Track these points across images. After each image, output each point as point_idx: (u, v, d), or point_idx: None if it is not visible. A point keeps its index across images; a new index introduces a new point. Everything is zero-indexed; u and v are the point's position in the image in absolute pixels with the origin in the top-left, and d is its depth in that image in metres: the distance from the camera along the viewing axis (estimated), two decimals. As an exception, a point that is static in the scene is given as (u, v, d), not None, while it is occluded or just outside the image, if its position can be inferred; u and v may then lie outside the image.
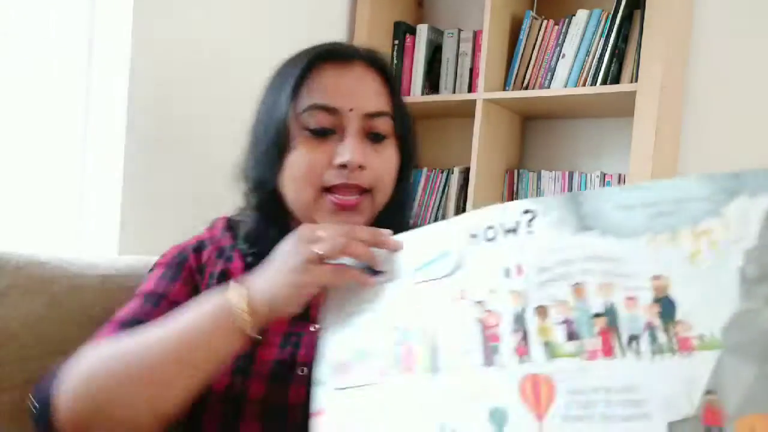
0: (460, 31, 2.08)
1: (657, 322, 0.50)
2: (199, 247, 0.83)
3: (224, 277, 0.79)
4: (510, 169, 2.04)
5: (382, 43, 2.15)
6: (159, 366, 0.63)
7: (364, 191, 0.76)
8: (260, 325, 0.63)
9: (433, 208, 2.10)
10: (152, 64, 1.51)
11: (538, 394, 0.52)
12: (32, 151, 1.41)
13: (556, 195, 0.58)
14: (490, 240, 0.59)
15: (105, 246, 1.47)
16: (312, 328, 0.75)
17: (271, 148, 0.77)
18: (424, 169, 2.15)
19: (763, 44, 1.71)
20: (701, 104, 1.78)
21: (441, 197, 2.10)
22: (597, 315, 0.52)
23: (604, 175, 1.84)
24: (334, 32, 2.07)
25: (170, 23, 1.54)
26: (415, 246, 0.64)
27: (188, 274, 0.80)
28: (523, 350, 0.54)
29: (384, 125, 0.78)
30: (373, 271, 0.64)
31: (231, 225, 0.85)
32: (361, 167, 0.75)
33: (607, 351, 0.51)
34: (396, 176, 0.82)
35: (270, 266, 0.65)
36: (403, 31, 2.17)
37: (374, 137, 0.78)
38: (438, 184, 2.11)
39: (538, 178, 1.96)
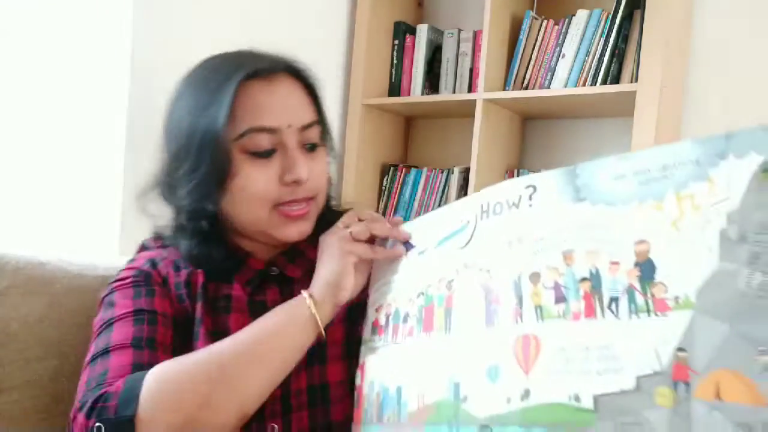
0: (460, 31, 2.08)
1: (636, 284, 0.53)
2: (153, 264, 0.82)
3: (189, 284, 0.79)
4: (510, 169, 2.04)
5: (382, 43, 2.15)
6: (247, 367, 0.67)
7: (309, 199, 0.80)
8: (325, 313, 0.72)
9: (433, 208, 2.10)
10: (152, 64, 1.51)
11: (527, 351, 0.57)
12: (33, 151, 1.41)
13: (556, 169, 0.61)
14: (497, 214, 0.65)
15: (105, 246, 1.47)
16: None
17: (211, 175, 0.75)
18: (424, 169, 2.15)
19: (763, 44, 1.71)
20: (701, 104, 1.78)
21: (441, 197, 2.10)
22: (583, 279, 0.56)
23: (604, 175, 1.84)
24: (334, 32, 2.08)
25: (170, 23, 1.54)
26: (437, 222, 0.73)
27: (159, 288, 0.79)
28: (517, 313, 0.59)
29: (316, 134, 0.80)
30: (406, 246, 0.75)
31: (166, 242, 0.84)
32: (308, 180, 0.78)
33: (589, 312, 0.55)
34: None
35: (323, 258, 0.75)
36: (403, 31, 2.17)
37: (310, 147, 0.80)
38: (438, 184, 2.11)
39: (538, 178, 1.96)
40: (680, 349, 0.49)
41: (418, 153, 2.31)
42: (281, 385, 0.71)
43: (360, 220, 0.78)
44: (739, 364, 0.47)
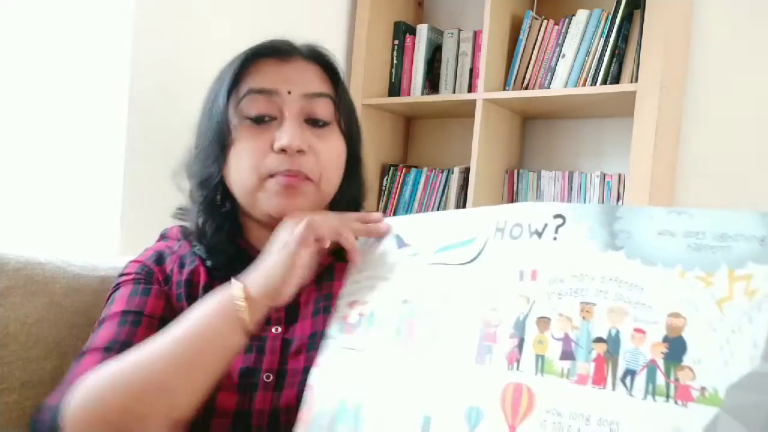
0: (460, 31, 2.08)
1: (660, 362, 0.46)
2: (159, 259, 0.81)
3: (190, 284, 0.78)
4: (510, 169, 2.04)
5: (382, 43, 2.15)
6: (173, 371, 0.62)
7: (306, 179, 0.74)
8: (259, 314, 0.65)
9: (433, 208, 2.10)
10: (152, 64, 1.51)
11: (517, 403, 0.51)
12: (32, 151, 1.41)
13: (590, 205, 0.56)
14: (514, 238, 0.57)
15: (105, 246, 1.47)
16: (274, 330, 0.74)
17: (213, 141, 0.76)
18: (424, 169, 2.15)
19: (763, 44, 1.71)
20: (701, 104, 1.78)
21: (441, 197, 2.10)
22: (598, 339, 0.49)
23: (604, 175, 1.84)
24: (334, 32, 2.07)
25: (170, 23, 1.54)
26: (441, 227, 0.65)
27: (158, 286, 0.78)
28: (514, 357, 0.53)
29: (324, 108, 0.76)
30: (397, 242, 0.67)
31: (185, 233, 0.84)
32: (300, 151, 0.73)
33: (598, 380, 0.48)
34: (344, 169, 0.81)
35: (266, 253, 0.68)
36: (403, 31, 2.17)
37: (315, 122, 0.76)
38: (438, 184, 2.11)
39: (538, 178, 1.96)
40: None
41: (418, 153, 2.31)
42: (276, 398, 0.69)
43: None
44: None
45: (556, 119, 2.07)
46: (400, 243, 0.67)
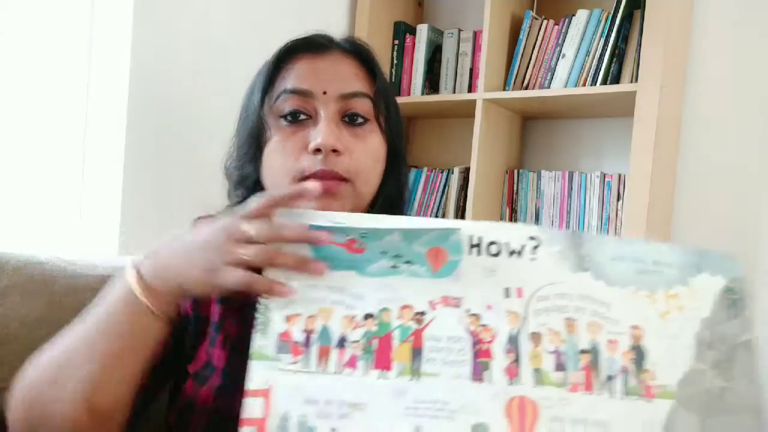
0: (460, 31, 2.08)
1: (631, 367, 0.57)
2: None
3: None
4: (510, 169, 2.04)
5: (382, 43, 2.15)
6: (87, 361, 0.60)
7: (342, 180, 0.71)
8: (166, 304, 0.60)
9: (433, 208, 2.10)
10: (152, 64, 1.51)
11: (523, 416, 0.55)
12: (32, 150, 1.41)
13: (559, 231, 0.60)
14: (492, 255, 0.59)
15: (105, 246, 1.47)
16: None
17: (249, 141, 0.76)
18: (424, 169, 2.15)
19: (763, 44, 1.71)
20: (701, 104, 1.78)
21: (441, 197, 2.10)
22: (583, 351, 0.57)
23: (604, 175, 1.84)
24: (334, 32, 2.07)
25: (170, 23, 1.54)
26: (407, 234, 0.59)
27: None
28: (513, 372, 0.57)
29: (362, 107, 0.74)
30: (355, 247, 0.59)
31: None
32: (336, 151, 0.70)
33: (588, 386, 0.56)
34: (383, 167, 0.78)
35: (185, 248, 0.60)
36: (403, 31, 2.17)
37: (352, 120, 0.74)
38: (438, 184, 2.11)
39: (538, 178, 1.96)
40: None
41: (418, 153, 2.31)
42: None
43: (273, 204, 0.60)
44: None
45: (556, 119, 2.07)
46: (357, 248, 0.59)
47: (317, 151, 0.70)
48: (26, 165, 1.40)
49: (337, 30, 0.83)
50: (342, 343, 0.57)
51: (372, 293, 0.58)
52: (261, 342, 0.57)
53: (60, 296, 0.87)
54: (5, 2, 1.34)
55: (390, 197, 0.79)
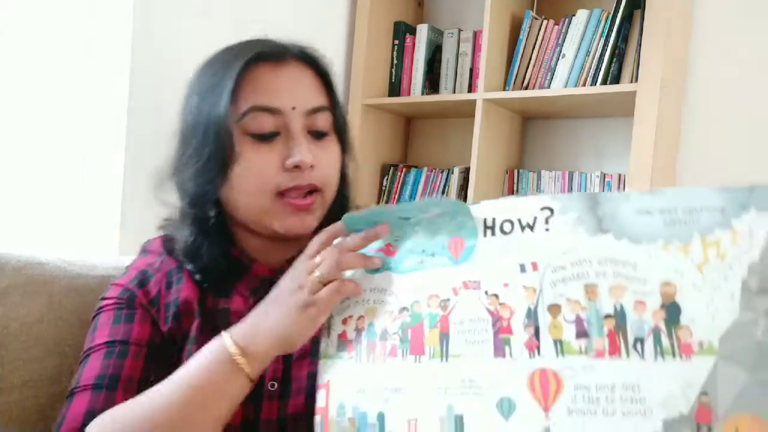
0: (460, 31, 2.08)
1: (662, 326, 0.53)
2: (142, 281, 0.78)
3: (184, 305, 0.75)
4: (510, 169, 2.04)
5: (382, 43, 2.15)
6: (177, 420, 0.62)
7: (315, 190, 0.75)
8: (262, 363, 0.65)
9: (433, 208, 2.10)
10: (152, 64, 1.51)
11: (546, 387, 0.55)
12: (32, 150, 1.41)
13: (574, 194, 0.59)
14: (506, 233, 0.60)
15: (105, 246, 1.47)
16: None
17: (213, 158, 0.73)
18: (424, 169, 2.15)
19: (763, 44, 1.71)
20: (701, 104, 1.78)
21: (441, 197, 2.10)
22: (607, 316, 0.55)
23: (604, 175, 1.84)
24: (334, 32, 2.07)
25: (170, 23, 1.54)
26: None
27: (142, 310, 0.75)
28: (533, 345, 0.57)
29: (324, 121, 0.76)
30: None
31: (168, 247, 0.80)
32: (312, 166, 0.73)
33: (614, 351, 0.54)
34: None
35: (274, 306, 0.65)
36: (403, 31, 2.17)
37: (316, 134, 0.76)
38: (438, 184, 2.11)
39: (538, 178, 1.96)
40: (703, 393, 0.51)
41: (418, 153, 2.31)
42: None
43: (330, 238, 0.67)
44: (758, 410, 0.49)
45: (556, 119, 2.07)
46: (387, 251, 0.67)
47: (296, 167, 0.72)
48: (26, 165, 1.40)
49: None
50: (384, 336, 0.64)
51: (405, 288, 0.64)
52: (325, 343, 0.67)
53: (60, 296, 0.87)
54: (5, 2, 1.34)
55: (344, 197, 0.83)
